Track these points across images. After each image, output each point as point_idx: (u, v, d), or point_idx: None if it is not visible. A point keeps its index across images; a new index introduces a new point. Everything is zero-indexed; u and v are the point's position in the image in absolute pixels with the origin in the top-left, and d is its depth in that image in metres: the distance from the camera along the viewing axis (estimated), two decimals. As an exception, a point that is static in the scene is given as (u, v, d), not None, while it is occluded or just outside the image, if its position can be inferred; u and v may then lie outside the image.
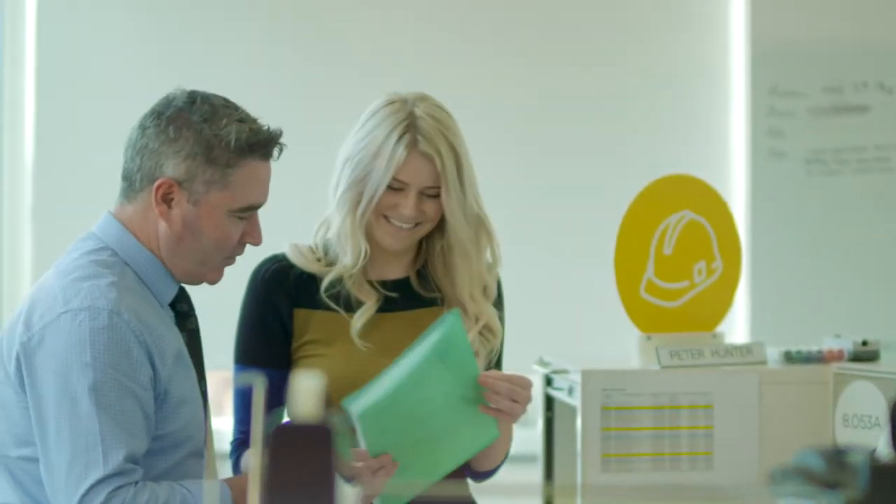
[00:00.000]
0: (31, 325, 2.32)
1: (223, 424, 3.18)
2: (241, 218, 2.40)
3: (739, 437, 2.78)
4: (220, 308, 2.81)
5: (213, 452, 2.52)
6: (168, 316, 2.43)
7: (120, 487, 2.25)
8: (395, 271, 2.70)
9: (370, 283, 2.67)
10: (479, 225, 2.65)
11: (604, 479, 2.73)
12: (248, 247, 2.47)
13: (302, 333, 2.64)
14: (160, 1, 4.48)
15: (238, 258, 2.47)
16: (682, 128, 4.59)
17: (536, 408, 2.98)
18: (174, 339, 2.39)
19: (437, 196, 2.60)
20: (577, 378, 2.79)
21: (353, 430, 2.36)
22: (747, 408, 2.79)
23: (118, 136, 2.43)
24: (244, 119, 2.39)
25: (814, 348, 2.87)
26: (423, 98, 2.62)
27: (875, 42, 4.56)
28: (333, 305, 2.64)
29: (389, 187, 2.58)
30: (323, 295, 2.63)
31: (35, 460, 2.32)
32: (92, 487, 2.24)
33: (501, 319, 2.72)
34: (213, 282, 2.47)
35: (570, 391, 2.87)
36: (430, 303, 2.69)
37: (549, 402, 3.05)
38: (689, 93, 4.60)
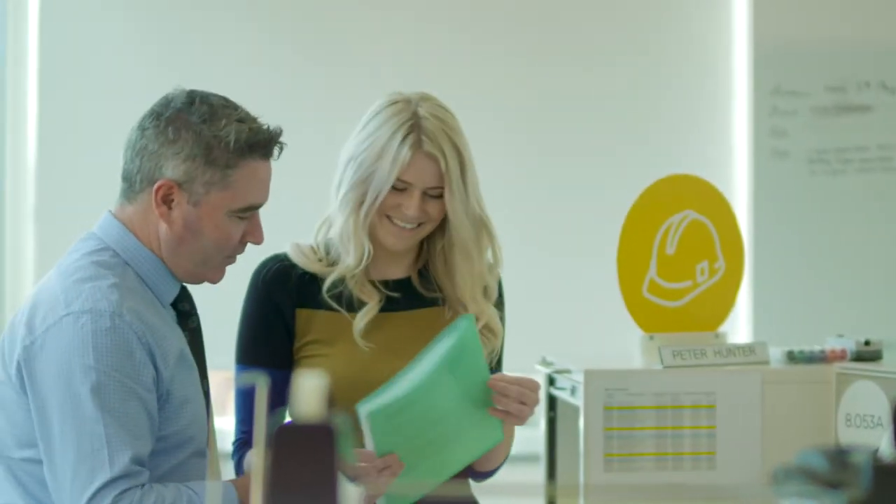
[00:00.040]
0: (34, 329, 2.31)
1: (225, 424, 3.18)
2: (241, 218, 2.40)
3: (742, 436, 2.78)
4: (222, 307, 2.81)
5: (216, 452, 2.52)
6: (170, 315, 2.43)
7: (126, 490, 2.24)
8: (397, 271, 2.70)
9: (372, 283, 2.67)
10: (481, 225, 2.65)
11: (606, 479, 2.73)
12: (249, 246, 2.46)
13: (304, 333, 2.64)
14: (161, 1, 4.48)
15: (239, 257, 2.47)
16: (684, 128, 4.59)
17: (539, 408, 2.98)
18: (176, 340, 2.39)
19: (440, 196, 2.60)
20: (579, 378, 2.79)
21: (356, 431, 2.36)
22: (750, 408, 2.79)
23: (120, 135, 2.43)
24: (244, 119, 2.38)
25: (816, 348, 2.87)
26: (426, 98, 2.62)
27: (878, 42, 4.56)
28: (335, 305, 2.63)
29: (393, 187, 2.58)
30: (325, 295, 2.63)
31: (38, 462, 2.31)
32: (98, 491, 2.23)
33: (502, 319, 2.72)
34: (214, 281, 2.47)
35: (573, 391, 2.87)
36: (432, 303, 2.69)
37: (552, 402, 3.05)
38: (691, 93, 4.60)
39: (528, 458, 3.36)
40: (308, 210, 2.79)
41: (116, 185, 2.44)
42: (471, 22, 4.54)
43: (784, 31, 4.53)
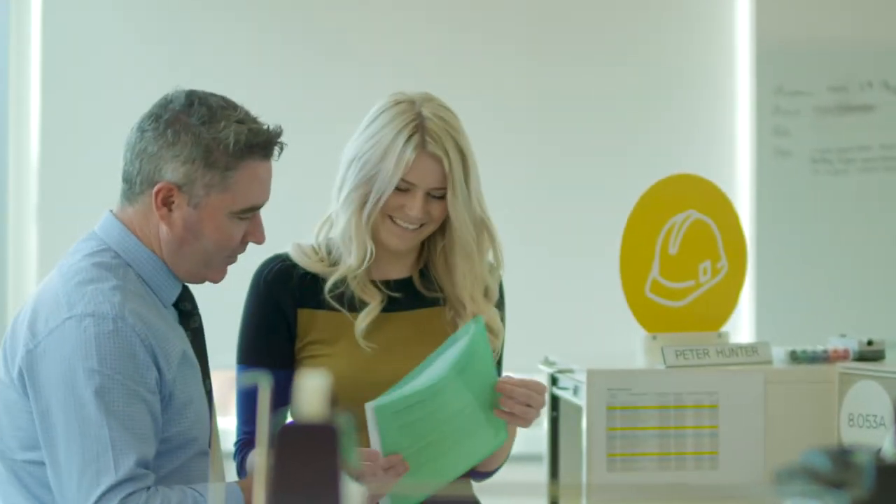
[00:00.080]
0: (37, 332, 2.30)
1: (227, 424, 3.18)
2: (242, 219, 2.39)
3: (745, 436, 2.78)
4: (224, 306, 2.81)
5: (219, 451, 2.52)
6: (172, 315, 2.43)
7: (132, 493, 2.23)
8: (398, 271, 2.70)
9: (374, 283, 2.67)
10: (482, 226, 2.65)
11: (609, 479, 2.73)
12: (251, 245, 2.46)
13: (306, 333, 2.64)
14: (164, 1, 4.48)
15: (240, 256, 2.47)
16: (687, 127, 4.59)
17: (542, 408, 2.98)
18: (179, 341, 2.38)
19: (442, 197, 2.60)
20: (582, 378, 2.79)
21: (359, 430, 2.36)
22: (753, 407, 2.79)
23: (123, 134, 2.42)
24: (243, 120, 2.37)
25: (819, 348, 2.87)
26: (429, 98, 2.62)
27: (880, 41, 4.56)
28: (337, 306, 2.63)
29: (396, 188, 2.58)
30: (327, 295, 2.63)
31: (41, 464, 2.30)
32: (104, 494, 2.22)
33: (502, 320, 2.72)
34: (216, 281, 2.46)
35: (576, 391, 2.86)
36: (433, 303, 2.69)
37: (555, 402, 3.04)
38: (694, 92, 4.60)
39: (531, 458, 3.36)
40: (308, 210, 2.79)
41: (119, 184, 2.43)
42: (472, 22, 4.54)
43: (787, 31, 4.53)
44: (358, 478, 2.34)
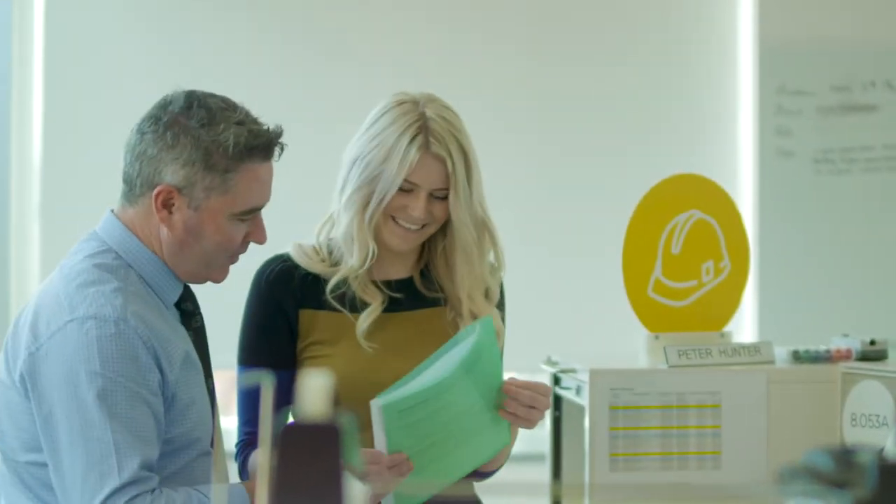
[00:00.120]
0: (38, 335, 2.29)
1: (228, 424, 3.18)
2: (243, 220, 2.39)
3: (747, 436, 2.78)
4: (225, 306, 2.81)
5: (222, 451, 2.51)
6: (173, 315, 2.42)
7: (136, 496, 2.22)
8: (399, 271, 2.70)
9: (375, 283, 2.66)
10: (483, 227, 2.65)
11: (612, 479, 2.73)
12: (252, 245, 2.45)
13: (307, 334, 2.64)
14: (167, 0, 4.48)
15: (241, 256, 2.46)
16: (689, 127, 4.59)
17: (544, 408, 2.98)
18: (181, 342, 2.37)
19: (445, 198, 2.60)
20: (584, 377, 2.79)
21: (362, 430, 2.36)
22: (755, 407, 2.79)
23: (125, 134, 2.41)
24: (243, 121, 2.35)
25: (822, 347, 2.87)
26: (432, 99, 2.62)
27: (883, 41, 4.56)
28: (338, 306, 2.63)
29: (399, 189, 2.57)
30: (328, 296, 2.63)
31: (43, 465, 2.30)
32: (108, 498, 2.21)
33: (503, 320, 2.72)
34: (218, 281, 2.45)
35: (578, 390, 2.86)
36: (434, 303, 2.69)
37: (557, 402, 3.04)
38: (697, 92, 4.60)
39: (534, 458, 3.36)
40: (308, 210, 2.79)
41: (121, 183, 2.43)
42: (472, 22, 4.54)
43: (789, 31, 4.53)
44: (361, 477, 2.35)
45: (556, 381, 3.01)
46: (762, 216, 4.50)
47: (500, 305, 2.74)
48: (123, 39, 4.44)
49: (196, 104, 2.35)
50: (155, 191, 2.33)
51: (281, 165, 2.44)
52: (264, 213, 2.44)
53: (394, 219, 2.60)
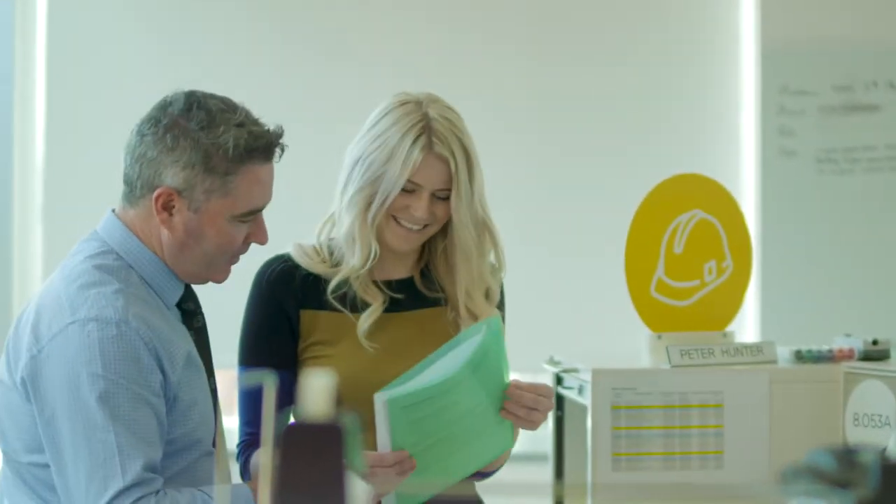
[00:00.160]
0: (40, 337, 2.29)
1: (230, 424, 3.17)
2: (244, 221, 2.38)
3: (750, 436, 2.78)
4: (226, 305, 2.80)
5: (224, 451, 2.51)
6: (175, 316, 2.42)
7: (141, 498, 2.22)
8: (400, 271, 2.70)
9: (376, 283, 2.66)
10: (483, 227, 2.65)
11: (614, 478, 2.73)
12: (252, 245, 2.45)
13: (308, 334, 2.64)
14: (170, 1, 4.49)
15: (242, 256, 2.46)
16: (692, 127, 4.59)
17: (547, 408, 2.98)
18: (183, 343, 2.37)
19: (447, 198, 2.59)
20: (587, 377, 2.79)
21: (364, 430, 2.36)
22: (758, 407, 2.79)
23: (127, 135, 2.42)
24: (243, 123, 2.34)
25: (824, 347, 2.87)
26: (435, 99, 2.62)
27: (885, 41, 4.55)
28: (339, 306, 2.63)
29: (402, 189, 2.57)
30: (330, 296, 2.63)
31: (45, 466, 2.29)
32: (112, 500, 2.21)
33: (503, 320, 2.72)
34: (219, 281, 2.45)
35: (581, 390, 2.86)
36: (434, 303, 2.68)
37: (560, 401, 3.04)
38: (699, 92, 4.60)
39: (536, 458, 3.36)
40: (309, 210, 2.79)
41: (122, 185, 2.43)
42: (472, 22, 4.54)
43: (791, 31, 4.53)
44: (364, 476, 2.34)
45: (559, 380, 3.01)
46: (765, 216, 4.50)
47: (500, 306, 2.74)
48: (125, 40, 4.45)
49: (196, 106, 2.34)
50: (155, 193, 2.33)
51: (281, 166, 2.44)
52: (265, 213, 2.44)
53: (396, 219, 2.60)
